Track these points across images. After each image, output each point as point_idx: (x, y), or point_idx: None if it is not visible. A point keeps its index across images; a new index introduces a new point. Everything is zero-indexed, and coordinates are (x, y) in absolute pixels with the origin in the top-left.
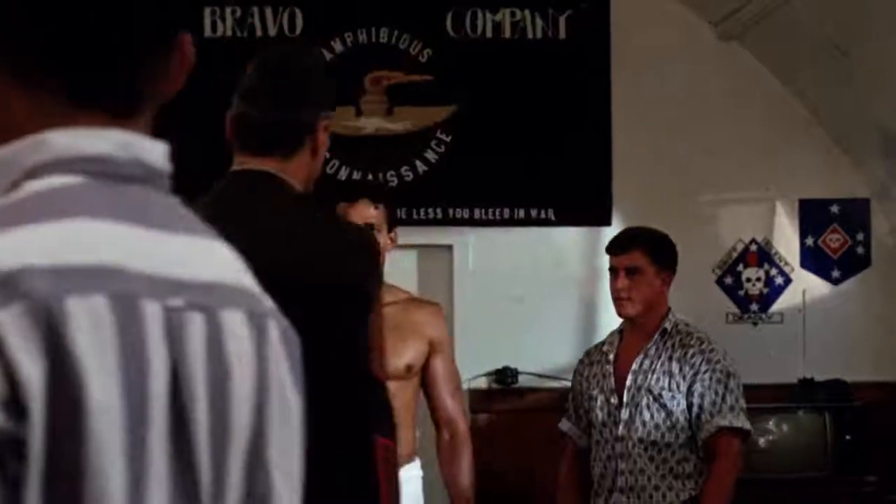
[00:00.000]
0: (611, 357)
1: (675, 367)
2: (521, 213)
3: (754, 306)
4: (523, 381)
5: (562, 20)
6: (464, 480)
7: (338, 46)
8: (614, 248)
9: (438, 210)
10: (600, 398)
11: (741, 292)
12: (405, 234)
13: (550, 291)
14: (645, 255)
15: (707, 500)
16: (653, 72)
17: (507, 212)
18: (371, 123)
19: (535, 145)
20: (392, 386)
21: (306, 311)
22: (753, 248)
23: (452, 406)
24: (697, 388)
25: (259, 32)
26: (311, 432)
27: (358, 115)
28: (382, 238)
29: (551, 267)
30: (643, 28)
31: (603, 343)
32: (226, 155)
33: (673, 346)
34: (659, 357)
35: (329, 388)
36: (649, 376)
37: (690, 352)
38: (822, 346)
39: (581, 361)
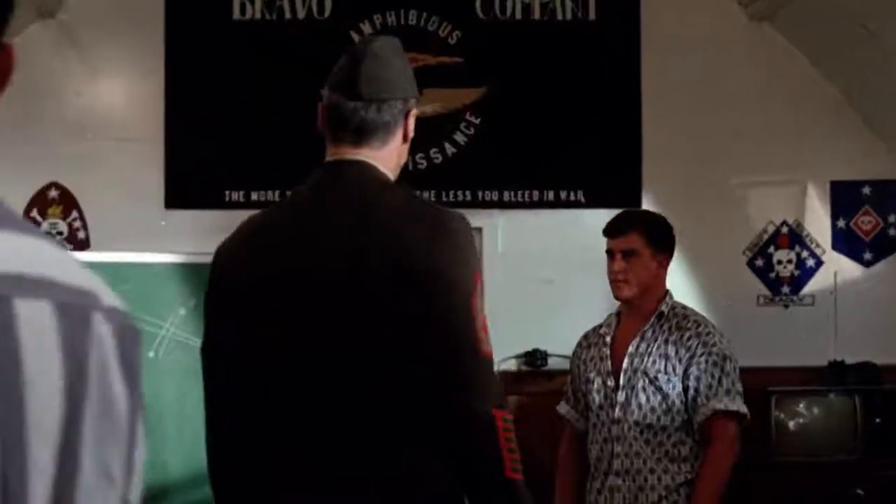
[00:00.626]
0: (608, 339)
1: (671, 349)
2: (551, 196)
3: (785, 289)
4: (553, 363)
5: (591, 1)
6: None
7: (366, 28)
8: (611, 230)
9: (468, 192)
10: (597, 381)
11: (772, 275)
12: None
13: (580, 274)
14: (641, 237)
15: (703, 484)
16: (683, 53)
17: (536, 194)
18: None
19: (564, 127)
20: None
21: (413, 293)
22: (784, 230)
23: None
24: (693, 371)
25: (288, 15)
26: (441, 408)
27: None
28: None
29: (580, 249)
30: (673, 9)
31: (601, 326)
32: (258, 132)
33: (670, 328)
34: (655, 340)
35: (445, 365)
36: (645, 359)
37: (687, 335)
38: (853, 329)
39: (579, 344)
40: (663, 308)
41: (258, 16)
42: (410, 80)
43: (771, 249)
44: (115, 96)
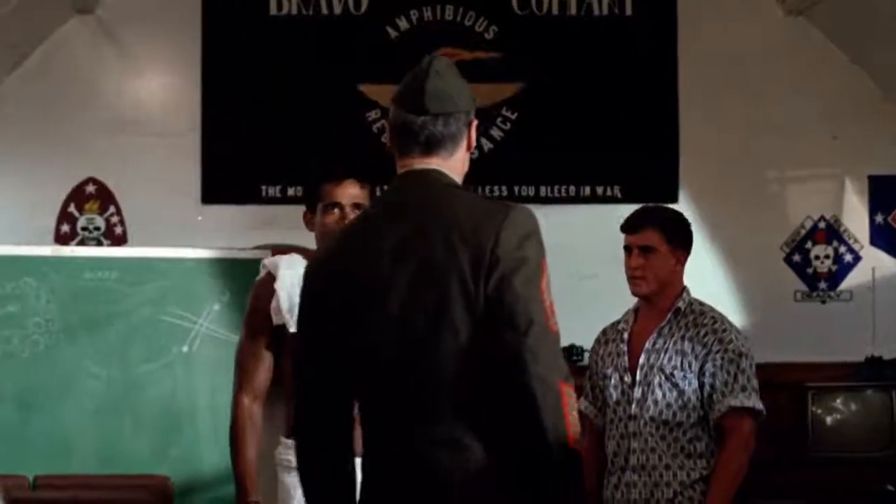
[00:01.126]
0: (625, 336)
1: (687, 346)
2: (587, 191)
3: (823, 284)
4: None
5: None
6: None
7: (403, 24)
8: (628, 227)
9: (504, 187)
10: (614, 377)
11: (810, 270)
12: None
13: (615, 269)
14: (658, 234)
15: (718, 480)
16: (719, 48)
17: (572, 189)
18: None
19: (601, 122)
20: None
21: (488, 278)
22: (822, 225)
23: None
24: (709, 367)
25: (324, 10)
26: (513, 378)
27: None
28: None
29: (616, 244)
30: (710, 4)
31: (619, 321)
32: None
33: (686, 325)
34: (672, 336)
35: (519, 340)
36: (662, 355)
37: (703, 331)
38: (890, 325)
39: (597, 340)
40: (680, 304)
41: (295, 11)
42: (469, 94)
43: (808, 245)
44: (152, 92)
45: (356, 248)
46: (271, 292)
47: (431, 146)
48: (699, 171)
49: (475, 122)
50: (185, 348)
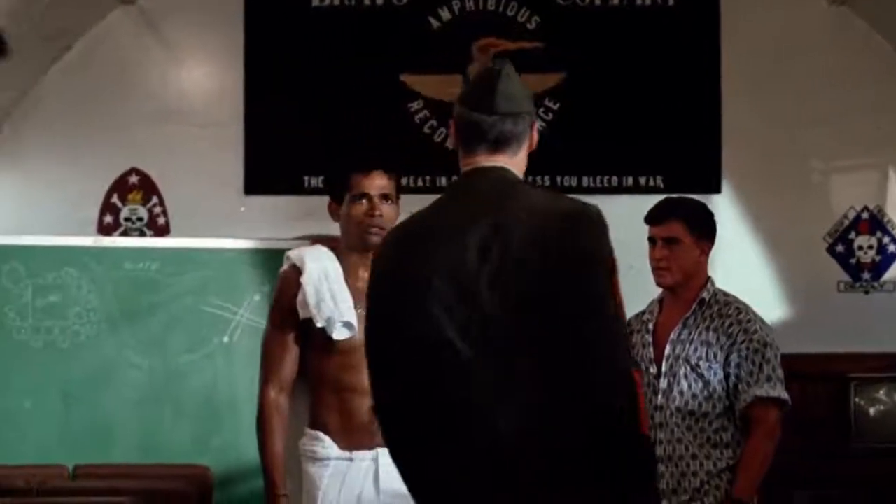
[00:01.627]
0: (650, 326)
1: (712, 336)
2: (630, 181)
3: (866, 275)
4: None
5: None
6: None
7: (445, 14)
8: (652, 218)
9: (546, 177)
10: (640, 367)
11: (853, 260)
12: None
13: None
14: (682, 225)
15: (743, 469)
16: (762, 38)
17: (615, 179)
18: None
19: (643, 112)
20: None
21: (563, 271)
22: (865, 215)
23: None
24: (734, 358)
25: (367, 1)
26: (591, 364)
27: (465, 83)
28: (395, 208)
29: None
30: None
31: (643, 312)
32: (337, 118)
33: (711, 315)
34: (697, 327)
35: (595, 330)
36: (687, 346)
37: (728, 322)
38: None
39: None
40: (705, 295)
41: (337, 2)
42: (531, 97)
43: (851, 235)
44: (194, 82)
45: (438, 240)
46: (297, 285)
47: (499, 144)
48: (742, 162)
49: (536, 124)
50: (225, 339)
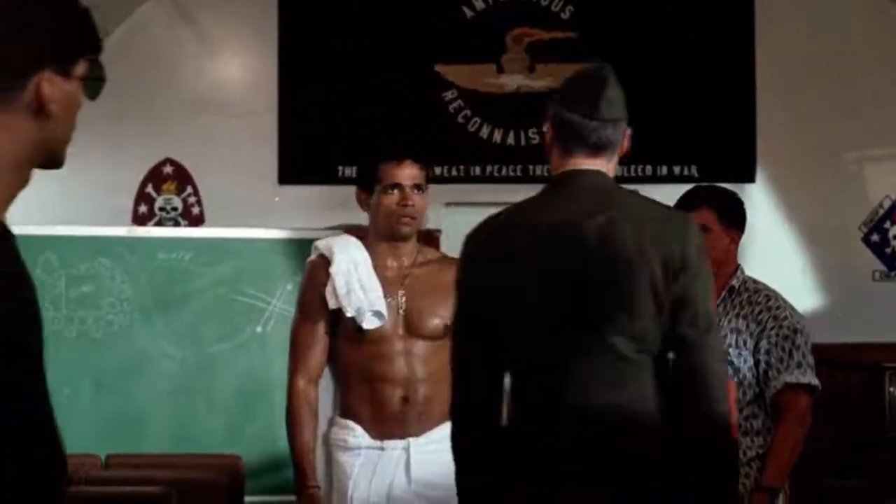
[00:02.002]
0: None
1: (742, 324)
2: (664, 170)
3: None
4: None
5: None
6: None
7: (479, 4)
8: (681, 206)
9: None
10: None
11: (888, 250)
12: None
13: None
14: (712, 213)
15: (773, 457)
16: (797, 28)
17: (649, 168)
18: (513, 81)
19: (677, 102)
20: (433, 346)
21: (671, 279)
22: None
23: None
24: (764, 344)
25: None
26: (691, 370)
27: (499, 73)
28: (426, 198)
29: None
30: None
31: None
32: (371, 107)
33: (741, 303)
34: (727, 314)
35: (698, 334)
36: None
37: (758, 309)
38: None
39: None
40: (734, 283)
41: None
42: (625, 102)
43: (887, 224)
44: (228, 73)
45: (548, 234)
46: (326, 275)
47: (599, 149)
48: (776, 151)
49: (628, 132)
50: (258, 328)
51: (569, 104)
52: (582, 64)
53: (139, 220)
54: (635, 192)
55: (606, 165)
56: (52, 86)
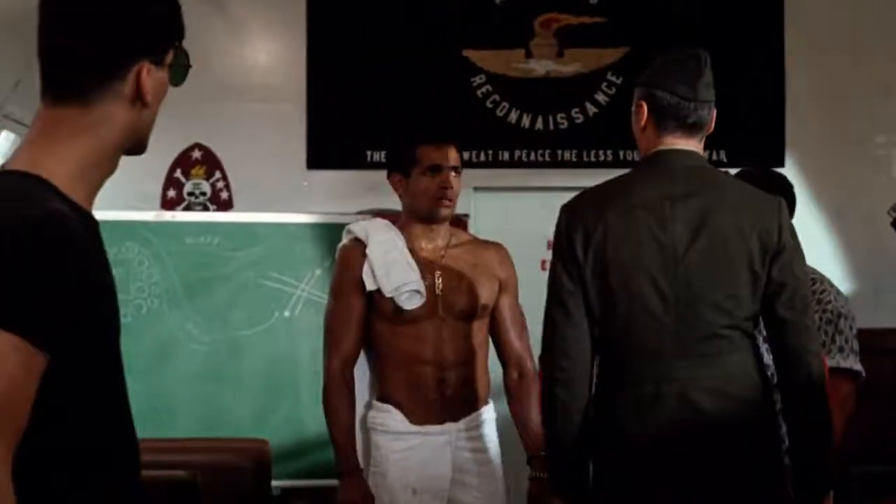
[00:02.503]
0: None
1: None
2: None
3: None
4: None
5: None
6: (535, 417)
7: None
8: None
9: (608, 152)
10: None
11: None
12: (576, 177)
13: None
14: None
15: None
16: (826, 10)
17: None
18: (541, 66)
19: None
20: (468, 326)
21: (780, 265)
22: None
23: (520, 345)
24: None
25: None
26: (793, 353)
27: (528, 58)
28: (461, 182)
29: None
30: None
31: None
32: (400, 92)
33: None
34: None
35: (799, 317)
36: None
37: None
38: None
39: None
40: None
41: None
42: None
43: None
44: (257, 58)
45: (647, 209)
46: (361, 258)
47: (694, 129)
48: (806, 136)
49: (714, 112)
50: (286, 313)
51: (667, 85)
52: (610, 49)
53: (168, 204)
54: (726, 173)
55: (698, 145)
56: (149, 75)
